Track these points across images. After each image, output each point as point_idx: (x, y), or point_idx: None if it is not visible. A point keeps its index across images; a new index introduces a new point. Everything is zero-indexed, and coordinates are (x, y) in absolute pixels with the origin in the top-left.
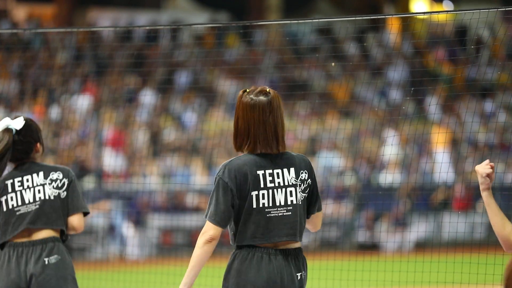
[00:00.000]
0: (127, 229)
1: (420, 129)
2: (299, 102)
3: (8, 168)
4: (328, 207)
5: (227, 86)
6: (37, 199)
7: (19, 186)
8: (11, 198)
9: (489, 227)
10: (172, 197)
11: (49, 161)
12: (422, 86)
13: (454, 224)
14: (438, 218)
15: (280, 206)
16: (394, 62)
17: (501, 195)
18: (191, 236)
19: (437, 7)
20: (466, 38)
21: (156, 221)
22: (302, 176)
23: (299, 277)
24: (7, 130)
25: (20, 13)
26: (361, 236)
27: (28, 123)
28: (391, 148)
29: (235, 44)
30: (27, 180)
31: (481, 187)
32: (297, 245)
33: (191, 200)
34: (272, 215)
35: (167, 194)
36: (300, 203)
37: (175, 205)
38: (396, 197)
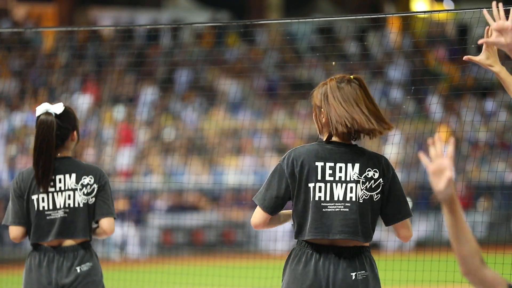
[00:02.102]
0: (128, 228)
1: (420, 128)
2: (299, 101)
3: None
4: None
5: (227, 85)
6: (67, 205)
7: (51, 187)
8: (42, 199)
9: (489, 226)
10: (173, 196)
11: None
12: (423, 85)
13: None
14: (439, 217)
15: (338, 201)
16: (395, 61)
17: (501, 194)
18: (192, 235)
19: (437, 6)
20: (466, 37)
21: (157, 220)
22: (368, 174)
23: (354, 277)
24: (48, 113)
25: (20, 12)
26: None
27: (67, 110)
28: (391, 146)
29: (235, 43)
30: (60, 181)
31: None
32: (356, 243)
33: (191, 199)
34: (328, 210)
35: (168, 193)
36: (361, 201)
37: (175, 204)
38: None
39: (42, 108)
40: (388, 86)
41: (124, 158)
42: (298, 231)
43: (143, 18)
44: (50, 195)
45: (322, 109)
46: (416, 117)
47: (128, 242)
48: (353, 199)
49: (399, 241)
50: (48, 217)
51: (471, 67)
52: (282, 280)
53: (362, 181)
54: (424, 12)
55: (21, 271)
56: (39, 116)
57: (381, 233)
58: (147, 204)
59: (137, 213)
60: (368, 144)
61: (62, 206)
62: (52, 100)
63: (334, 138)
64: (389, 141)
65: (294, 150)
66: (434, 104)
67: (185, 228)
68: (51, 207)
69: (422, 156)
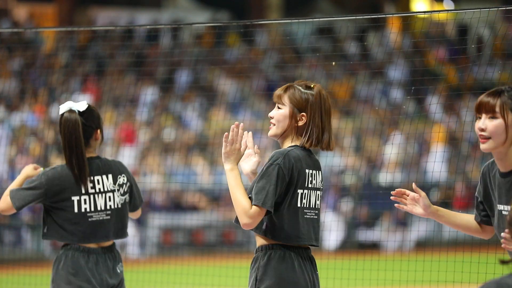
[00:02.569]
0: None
1: (420, 128)
2: None
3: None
4: (328, 207)
5: (227, 86)
6: (108, 207)
7: (91, 188)
8: (84, 201)
9: None
10: (173, 196)
11: (54, 159)
12: (423, 85)
13: None
14: None
15: (313, 208)
16: (395, 61)
17: None
18: (192, 236)
19: (437, 6)
20: (466, 37)
21: (157, 220)
22: (322, 181)
23: (317, 277)
24: (71, 111)
25: (20, 12)
26: (361, 235)
27: (91, 108)
28: (391, 147)
29: (235, 44)
30: (98, 182)
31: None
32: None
33: (191, 199)
34: (307, 216)
35: (168, 193)
36: (319, 207)
37: (175, 204)
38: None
39: (66, 106)
40: (388, 86)
41: (124, 158)
42: (278, 234)
43: (143, 18)
44: (92, 196)
45: (303, 114)
46: (416, 117)
47: (128, 242)
48: (318, 206)
49: (399, 241)
50: (90, 219)
51: (471, 67)
52: (261, 284)
53: (321, 188)
54: (424, 12)
55: (21, 271)
56: (62, 114)
57: (381, 233)
58: (147, 204)
59: None
60: (368, 144)
61: (103, 208)
62: (52, 100)
63: (305, 145)
64: (389, 142)
65: (288, 153)
66: (434, 104)
67: (185, 228)
68: (92, 208)
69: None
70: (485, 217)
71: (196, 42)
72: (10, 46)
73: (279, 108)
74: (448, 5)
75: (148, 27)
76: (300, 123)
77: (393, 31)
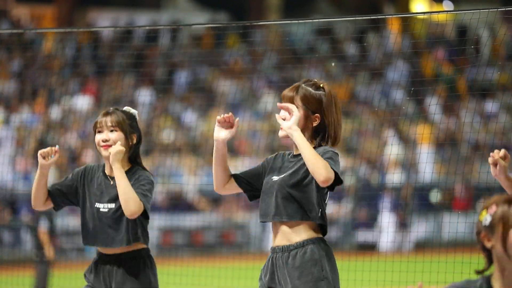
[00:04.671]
0: None
1: (420, 128)
2: None
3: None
4: (328, 207)
5: (226, 86)
6: None
7: None
8: None
9: None
10: (172, 197)
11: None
12: (422, 87)
13: (454, 224)
14: (438, 218)
15: None
16: (394, 62)
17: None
18: (191, 236)
19: (437, 7)
20: (466, 38)
21: (156, 221)
22: None
23: None
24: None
25: (20, 13)
26: (361, 236)
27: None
28: (391, 147)
29: (234, 45)
30: None
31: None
32: None
33: (191, 200)
34: None
35: (168, 194)
36: None
37: (175, 205)
38: (397, 197)
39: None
40: (387, 87)
41: None
42: (326, 227)
43: (142, 19)
44: None
45: (316, 115)
46: (415, 118)
47: None
48: None
49: (398, 242)
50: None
51: (470, 69)
52: (325, 275)
53: None
54: (424, 13)
55: (20, 272)
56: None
57: (380, 233)
58: None
59: None
60: (367, 145)
61: None
62: (51, 101)
63: (324, 144)
64: (388, 142)
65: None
66: (434, 105)
67: (185, 229)
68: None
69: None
70: None
71: (195, 43)
72: (9, 47)
73: None
74: (448, 6)
75: (147, 28)
76: (314, 124)
77: (392, 32)
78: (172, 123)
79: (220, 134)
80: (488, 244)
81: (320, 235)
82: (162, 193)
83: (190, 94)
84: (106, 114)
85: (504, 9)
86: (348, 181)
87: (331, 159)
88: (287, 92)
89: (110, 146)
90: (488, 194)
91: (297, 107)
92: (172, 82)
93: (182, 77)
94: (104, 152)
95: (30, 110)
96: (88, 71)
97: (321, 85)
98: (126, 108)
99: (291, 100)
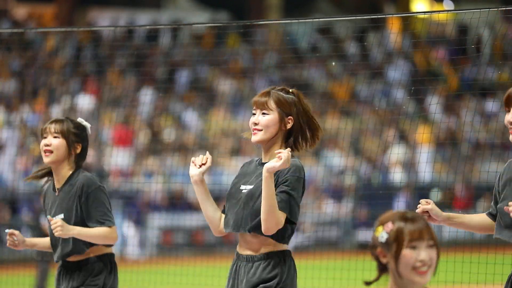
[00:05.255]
0: (128, 229)
1: (420, 128)
2: None
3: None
4: (329, 207)
5: (227, 86)
6: None
7: None
8: None
9: None
10: (173, 196)
11: None
12: (423, 86)
13: None
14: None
15: None
16: (395, 61)
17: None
18: (192, 236)
19: (437, 7)
20: (466, 37)
21: (157, 220)
22: None
23: None
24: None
25: (20, 12)
26: (361, 235)
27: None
28: (391, 147)
29: (235, 44)
30: None
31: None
32: None
33: (191, 200)
34: None
35: (168, 194)
36: None
37: (175, 204)
38: (398, 196)
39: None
40: (388, 87)
41: (124, 159)
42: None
43: (143, 19)
44: None
45: (290, 117)
46: (416, 117)
47: (128, 243)
48: None
49: None
50: None
51: (471, 68)
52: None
53: None
54: (424, 12)
55: (20, 272)
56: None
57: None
58: (147, 205)
59: (137, 213)
60: (368, 144)
61: None
62: (52, 100)
63: (296, 149)
64: (389, 142)
65: (300, 163)
66: (434, 105)
67: (185, 228)
68: None
69: None
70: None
71: (196, 43)
72: (10, 46)
73: (264, 114)
74: (448, 5)
75: (148, 27)
76: (288, 126)
77: (392, 31)
78: (173, 122)
79: (195, 171)
80: (384, 260)
81: (285, 247)
82: (163, 193)
83: (190, 94)
84: (53, 121)
85: (504, 8)
86: (349, 180)
87: (289, 196)
88: (258, 98)
89: (51, 151)
90: (489, 194)
91: (270, 110)
92: (172, 81)
93: (182, 76)
94: (45, 158)
95: (30, 109)
96: (89, 71)
97: (291, 90)
98: (79, 119)
99: (264, 105)
